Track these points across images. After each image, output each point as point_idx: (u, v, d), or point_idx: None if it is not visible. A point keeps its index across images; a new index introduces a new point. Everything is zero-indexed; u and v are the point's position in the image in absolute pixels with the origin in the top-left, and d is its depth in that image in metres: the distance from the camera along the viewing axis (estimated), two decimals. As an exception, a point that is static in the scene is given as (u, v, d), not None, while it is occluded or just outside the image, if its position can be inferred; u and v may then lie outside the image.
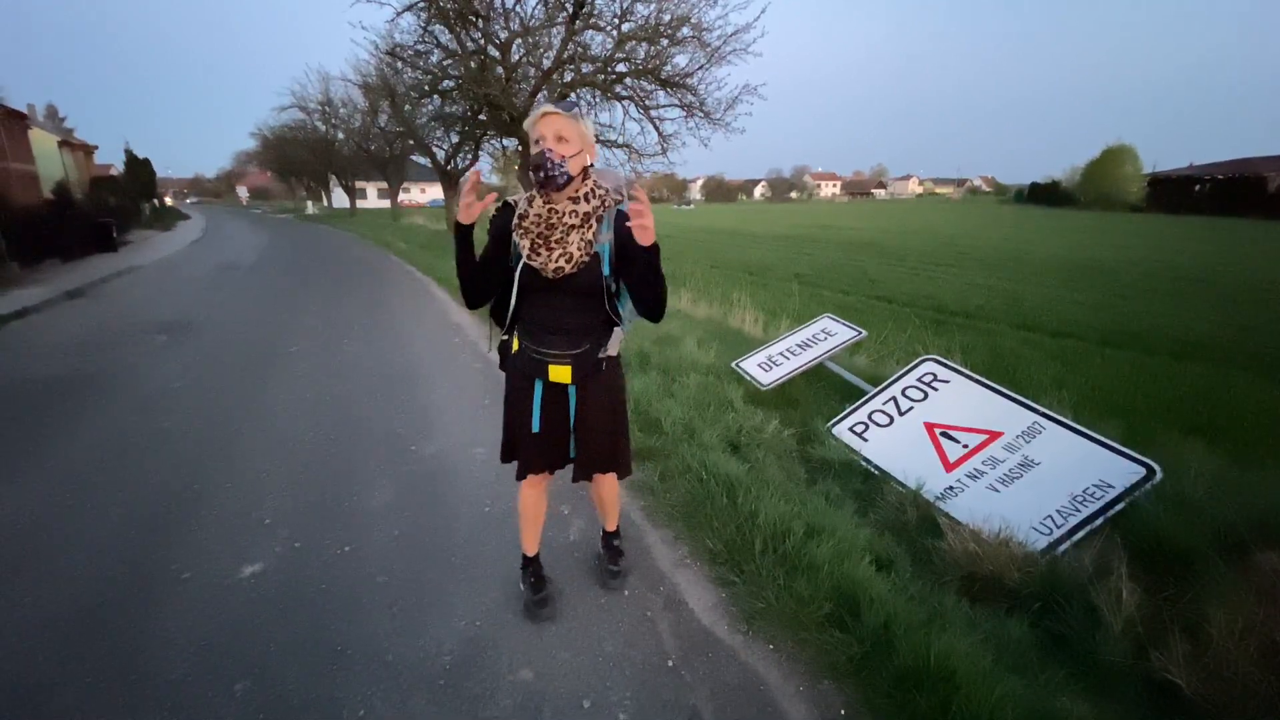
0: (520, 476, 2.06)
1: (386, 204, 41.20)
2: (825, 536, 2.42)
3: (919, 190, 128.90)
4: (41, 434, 3.89)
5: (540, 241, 1.76)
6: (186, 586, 2.32)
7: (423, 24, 11.16)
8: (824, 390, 4.52)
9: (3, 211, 11.48)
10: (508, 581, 2.35)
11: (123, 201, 23.00)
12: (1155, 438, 3.59)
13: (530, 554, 2.26)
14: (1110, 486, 2.77)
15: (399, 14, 10.46)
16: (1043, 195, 61.71)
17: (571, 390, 1.93)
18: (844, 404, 3.97)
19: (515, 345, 1.93)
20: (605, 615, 2.18)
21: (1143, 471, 2.76)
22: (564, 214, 1.75)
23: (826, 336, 4.72)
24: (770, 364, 4.72)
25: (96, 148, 35.24)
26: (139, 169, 34.32)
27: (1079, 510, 2.73)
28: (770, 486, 2.91)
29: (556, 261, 1.76)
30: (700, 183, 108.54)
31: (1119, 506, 2.66)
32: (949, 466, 3.28)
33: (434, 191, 59.71)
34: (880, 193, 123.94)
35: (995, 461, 3.19)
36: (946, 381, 3.75)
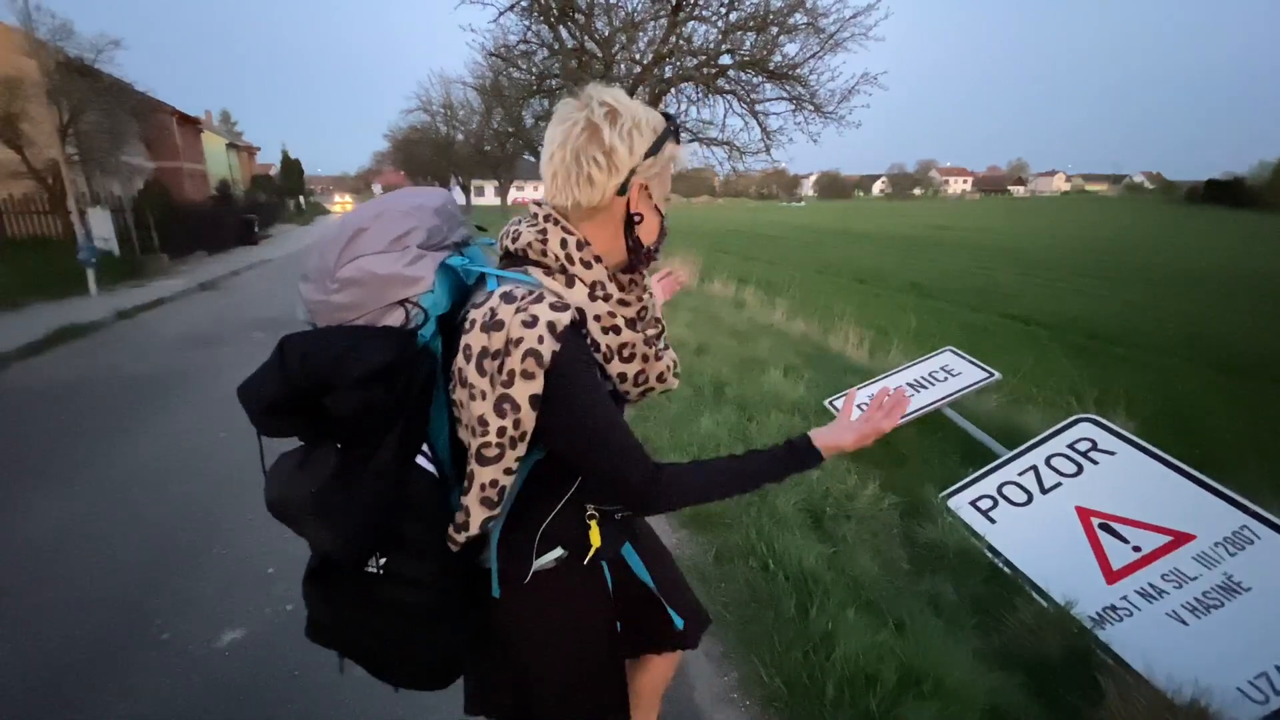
0: None
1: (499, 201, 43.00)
2: (928, 688, 1.76)
3: (1065, 187, 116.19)
4: (99, 441, 3.84)
5: (652, 345, 1.06)
6: (162, 652, 2.06)
7: (526, 23, 11.14)
8: (941, 445, 3.67)
9: (164, 210, 12.82)
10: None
11: (272, 198, 25.50)
12: None
13: None
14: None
15: (501, 14, 10.46)
16: (1222, 194, 53.12)
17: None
18: (966, 467, 3.18)
19: (595, 537, 1.04)
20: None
21: None
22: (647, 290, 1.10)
23: (948, 376, 3.88)
24: (872, 405, 3.96)
25: (259, 149, 39.62)
26: (291, 168, 38.15)
27: (1321, 676, 1.86)
28: (857, 587, 2.26)
29: (670, 366, 1.12)
30: (813, 179, 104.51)
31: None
32: (1112, 576, 2.45)
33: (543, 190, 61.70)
34: (1019, 189, 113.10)
35: (1182, 578, 2.33)
36: (1111, 453, 2.86)
